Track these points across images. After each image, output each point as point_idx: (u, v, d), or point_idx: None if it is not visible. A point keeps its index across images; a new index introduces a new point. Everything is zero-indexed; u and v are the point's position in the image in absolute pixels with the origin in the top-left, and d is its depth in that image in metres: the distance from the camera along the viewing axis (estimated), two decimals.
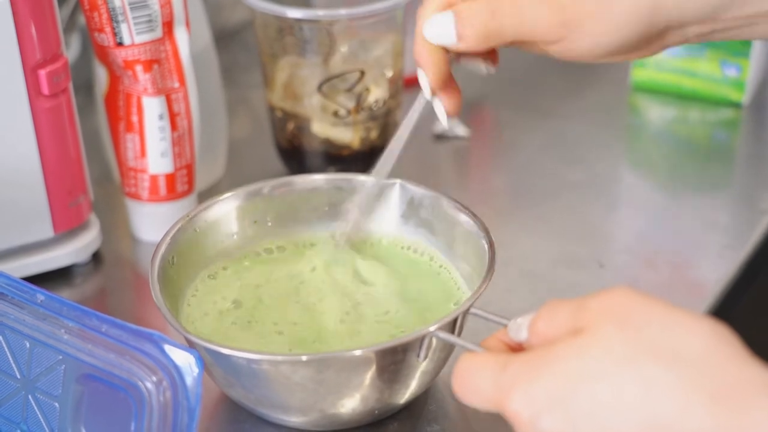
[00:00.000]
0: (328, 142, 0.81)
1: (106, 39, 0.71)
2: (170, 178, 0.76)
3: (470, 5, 0.59)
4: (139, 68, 0.72)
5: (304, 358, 0.56)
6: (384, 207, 0.68)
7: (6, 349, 0.57)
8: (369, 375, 0.56)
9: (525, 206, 0.82)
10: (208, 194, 0.79)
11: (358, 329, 0.61)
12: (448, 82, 0.62)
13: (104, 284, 0.76)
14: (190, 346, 0.57)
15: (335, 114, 0.80)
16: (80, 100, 0.78)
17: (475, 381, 0.46)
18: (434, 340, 0.56)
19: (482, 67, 0.63)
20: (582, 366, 0.43)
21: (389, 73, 0.81)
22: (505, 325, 0.52)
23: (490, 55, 0.63)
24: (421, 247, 0.67)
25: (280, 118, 0.82)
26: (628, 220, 0.82)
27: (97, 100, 0.82)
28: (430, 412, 0.62)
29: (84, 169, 0.74)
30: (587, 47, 0.58)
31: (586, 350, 0.43)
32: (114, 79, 0.74)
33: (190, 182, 0.77)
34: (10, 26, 0.66)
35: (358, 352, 0.55)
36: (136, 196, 0.77)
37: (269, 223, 0.69)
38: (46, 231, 0.73)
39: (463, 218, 0.65)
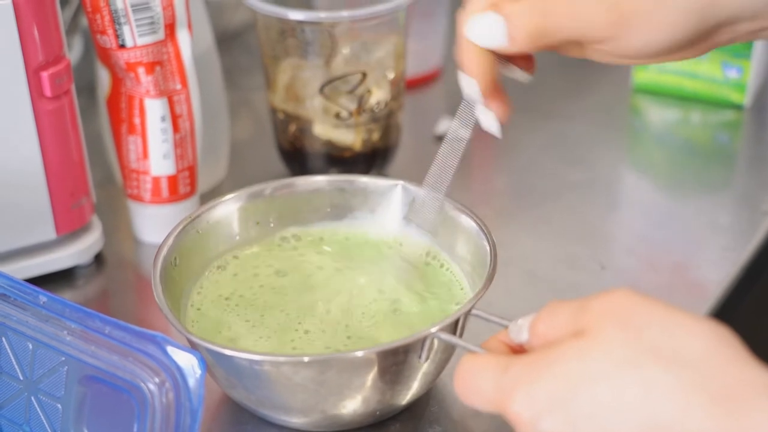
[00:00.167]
0: (329, 144, 0.81)
1: (109, 41, 0.71)
2: (172, 180, 0.76)
3: (519, 5, 0.56)
4: (141, 70, 0.72)
5: (305, 359, 0.56)
6: (386, 209, 0.68)
7: (9, 351, 0.57)
8: (370, 376, 0.57)
9: (526, 207, 0.82)
10: (211, 196, 0.79)
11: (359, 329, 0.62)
12: (498, 87, 0.59)
13: (106, 286, 0.76)
14: (193, 347, 0.57)
15: (337, 116, 0.80)
16: (82, 102, 0.78)
17: (477, 382, 0.46)
18: (436, 341, 0.56)
19: (519, 73, 0.60)
20: (583, 368, 0.43)
21: (391, 75, 0.81)
22: (506, 327, 0.52)
23: (528, 61, 0.60)
24: (423, 248, 0.67)
25: (281, 119, 0.82)
26: (630, 221, 0.82)
27: (99, 102, 0.83)
28: (432, 413, 0.62)
29: (86, 171, 0.74)
30: (638, 46, 0.56)
31: (587, 352, 0.44)
32: (116, 81, 0.74)
33: (192, 184, 0.77)
34: (12, 28, 0.66)
35: (359, 354, 0.55)
36: (138, 198, 0.77)
37: (271, 224, 0.69)
38: (49, 233, 0.73)
39: (465, 219, 0.65)
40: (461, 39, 0.58)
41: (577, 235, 0.79)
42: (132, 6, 0.70)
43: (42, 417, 0.56)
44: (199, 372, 0.52)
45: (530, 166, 0.87)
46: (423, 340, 0.56)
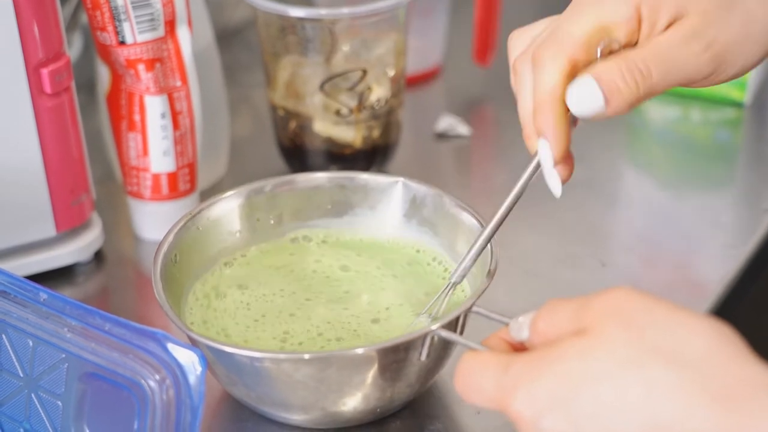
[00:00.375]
0: (330, 141, 0.81)
1: (109, 38, 0.71)
2: (172, 177, 0.76)
3: (610, 66, 0.53)
4: (141, 67, 0.72)
5: (306, 356, 0.56)
6: (386, 206, 0.68)
7: (9, 348, 0.57)
8: (371, 373, 0.57)
9: (526, 205, 0.81)
10: (211, 193, 0.79)
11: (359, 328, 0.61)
12: (569, 152, 0.56)
13: (106, 283, 0.76)
14: (193, 344, 0.57)
15: (337, 113, 0.80)
16: (82, 99, 0.78)
17: (478, 380, 0.46)
18: (436, 339, 0.56)
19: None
20: (585, 367, 0.43)
21: (391, 72, 0.81)
22: (507, 324, 0.52)
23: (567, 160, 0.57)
24: (424, 245, 0.67)
25: (282, 116, 0.82)
26: (630, 219, 0.82)
27: (99, 98, 0.83)
28: (432, 410, 0.62)
29: (86, 167, 0.74)
30: (735, 73, 0.56)
31: (589, 351, 0.43)
32: (116, 78, 0.74)
33: (192, 181, 0.77)
34: (12, 25, 0.66)
35: (359, 351, 0.55)
36: (138, 195, 0.77)
37: (271, 221, 0.69)
38: (49, 230, 0.73)
39: (465, 216, 0.65)
40: (542, 103, 0.55)
41: (577, 232, 0.78)
42: (132, 2, 0.70)
43: (42, 414, 0.56)
44: (199, 369, 0.52)
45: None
46: (423, 338, 0.56)
